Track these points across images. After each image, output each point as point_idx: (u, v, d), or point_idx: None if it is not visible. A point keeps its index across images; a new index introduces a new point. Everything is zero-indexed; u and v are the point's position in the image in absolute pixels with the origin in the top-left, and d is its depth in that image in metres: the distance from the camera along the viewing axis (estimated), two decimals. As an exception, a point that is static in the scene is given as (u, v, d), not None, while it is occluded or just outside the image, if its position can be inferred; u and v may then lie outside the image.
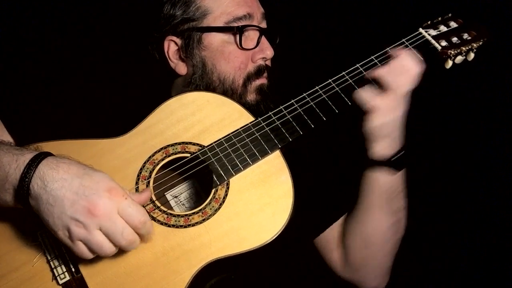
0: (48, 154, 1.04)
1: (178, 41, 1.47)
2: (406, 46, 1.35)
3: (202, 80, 1.45)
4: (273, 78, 1.48)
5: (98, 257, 1.08)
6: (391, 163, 1.30)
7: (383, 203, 1.34)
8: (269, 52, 1.45)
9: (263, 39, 1.45)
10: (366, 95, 1.26)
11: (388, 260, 1.43)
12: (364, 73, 1.31)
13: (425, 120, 2.11)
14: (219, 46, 1.43)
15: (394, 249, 1.42)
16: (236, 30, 1.41)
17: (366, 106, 1.25)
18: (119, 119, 1.31)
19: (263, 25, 1.47)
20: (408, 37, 1.38)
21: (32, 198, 1.00)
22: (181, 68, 1.49)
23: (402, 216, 1.39)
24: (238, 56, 1.43)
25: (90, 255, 1.02)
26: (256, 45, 1.43)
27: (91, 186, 0.99)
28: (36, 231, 1.13)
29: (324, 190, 1.51)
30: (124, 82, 1.81)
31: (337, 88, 1.31)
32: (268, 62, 1.49)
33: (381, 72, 1.25)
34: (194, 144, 1.26)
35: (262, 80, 1.46)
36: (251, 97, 1.44)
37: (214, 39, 1.43)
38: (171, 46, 1.49)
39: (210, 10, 1.42)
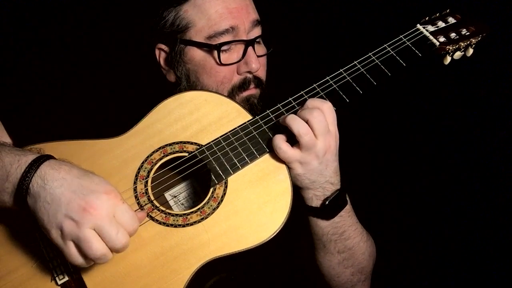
0: (50, 157, 1.04)
1: (167, 50, 1.47)
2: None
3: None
4: (263, 87, 1.45)
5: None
6: (319, 212, 1.26)
7: (323, 245, 1.31)
8: (254, 65, 1.39)
9: (250, 50, 1.40)
10: (280, 144, 1.20)
11: None
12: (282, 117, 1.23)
13: (424, 116, 2.11)
14: (200, 61, 1.41)
15: (354, 279, 1.37)
16: (213, 48, 1.37)
17: (281, 155, 1.20)
18: (117, 119, 1.31)
19: (254, 33, 1.42)
20: (406, 33, 1.38)
21: (30, 197, 0.99)
22: (171, 76, 1.50)
23: (351, 254, 1.33)
24: (220, 71, 1.40)
25: (79, 259, 0.98)
26: (242, 57, 1.40)
27: (90, 186, 0.98)
28: (34, 232, 1.13)
29: None
30: (122, 83, 1.82)
31: (335, 86, 1.30)
32: (259, 72, 1.44)
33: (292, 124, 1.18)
34: (192, 143, 1.26)
35: (249, 92, 1.43)
36: None
37: (195, 53, 1.41)
38: (162, 54, 1.49)
39: (193, 23, 1.39)
